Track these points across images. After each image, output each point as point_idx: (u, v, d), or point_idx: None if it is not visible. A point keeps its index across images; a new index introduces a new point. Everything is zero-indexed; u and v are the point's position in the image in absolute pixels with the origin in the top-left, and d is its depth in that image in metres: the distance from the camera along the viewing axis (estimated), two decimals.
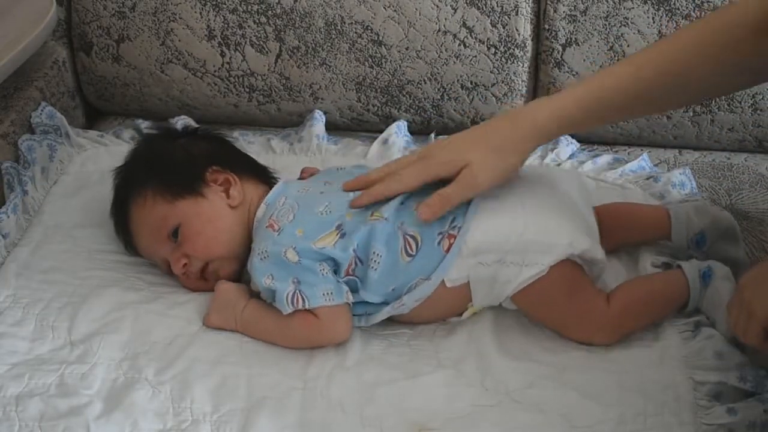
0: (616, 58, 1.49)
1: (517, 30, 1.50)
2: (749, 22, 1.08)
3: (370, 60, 1.54)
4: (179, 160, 1.28)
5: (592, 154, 1.51)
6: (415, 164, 1.20)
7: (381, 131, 1.55)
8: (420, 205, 1.16)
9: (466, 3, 1.49)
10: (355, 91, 1.58)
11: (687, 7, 1.45)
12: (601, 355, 1.16)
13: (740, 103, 1.50)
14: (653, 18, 1.47)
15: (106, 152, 1.50)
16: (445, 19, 1.50)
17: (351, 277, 1.18)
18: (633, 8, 1.47)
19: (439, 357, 1.16)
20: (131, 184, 1.27)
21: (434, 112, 1.58)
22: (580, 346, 1.17)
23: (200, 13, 1.54)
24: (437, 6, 1.49)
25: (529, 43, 1.51)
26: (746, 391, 1.10)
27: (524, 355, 1.16)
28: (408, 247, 1.17)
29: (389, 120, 1.58)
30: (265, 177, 1.33)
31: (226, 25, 1.54)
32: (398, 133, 1.53)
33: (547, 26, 1.50)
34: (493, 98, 1.55)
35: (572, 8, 1.48)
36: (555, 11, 1.49)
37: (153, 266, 1.29)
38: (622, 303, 1.16)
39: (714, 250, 1.25)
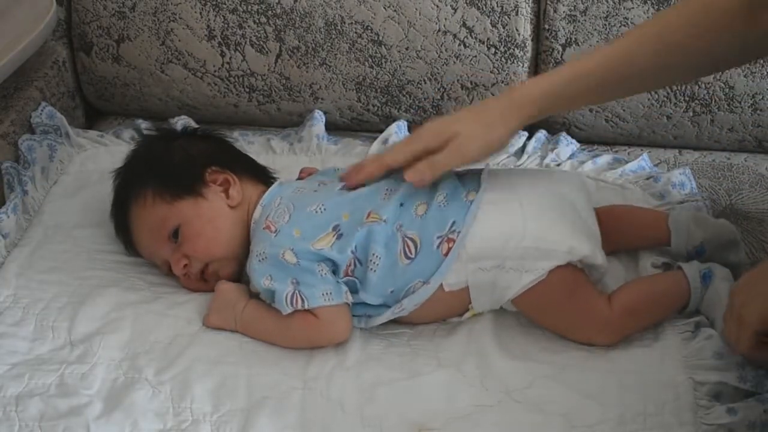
0: None
1: (517, 30, 1.50)
2: None
3: (370, 60, 1.54)
4: (178, 160, 1.28)
5: (592, 154, 1.51)
6: (405, 139, 1.24)
7: (381, 131, 1.55)
8: (408, 169, 1.17)
9: (466, 3, 1.49)
10: (355, 91, 1.58)
11: None
12: (601, 355, 1.16)
13: (740, 103, 1.50)
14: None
15: (106, 152, 1.50)
16: (445, 19, 1.50)
17: (350, 278, 1.18)
18: (633, 8, 1.47)
19: (439, 357, 1.16)
20: (131, 185, 1.27)
21: (434, 112, 1.58)
22: (580, 346, 1.17)
23: (200, 13, 1.54)
24: (437, 6, 1.49)
25: (529, 43, 1.51)
26: (746, 391, 1.10)
27: (524, 354, 1.16)
28: (407, 249, 1.17)
29: (389, 120, 1.58)
30: (263, 177, 1.33)
31: (226, 25, 1.54)
32: (398, 133, 1.53)
33: (547, 26, 1.50)
34: None
35: (572, 8, 1.48)
36: (555, 11, 1.49)
37: (153, 266, 1.29)
38: (623, 304, 1.16)
39: (714, 259, 1.24)
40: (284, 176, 1.36)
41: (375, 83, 1.56)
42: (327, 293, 1.15)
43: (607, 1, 1.47)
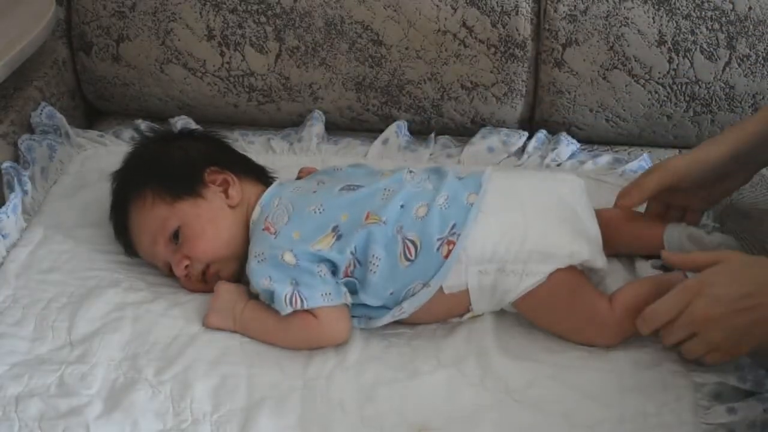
0: (616, 58, 1.49)
1: (517, 30, 1.50)
2: None
3: (369, 60, 1.54)
4: (177, 162, 1.28)
5: (592, 154, 1.51)
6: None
7: (381, 131, 1.55)
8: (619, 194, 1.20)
9: (466, 3, 1.49)
10: (354, 91, 1.57)
11: (687, 7, 1.45)
12: (601, 355, 1.16)
13: (740, 103, 1.50)
14: (653, 18, 1.47)
15: (106, 152, 1.50)
16: (445, 19, 1.50)
17: (350, 279, 1.18)
18: (633, 8, 1.47)
19: (439, 357, 1.16)
20: (130, 187, 1.27)
21: (434, 112, 1.58)
22: (580, 346, 1.17)
23: (200, 13, 1.54)
24: (437, 6, 1.49)
25: (529, 43, 1.51)
26: (746, 391, 1.10)
27: (524, 354, 1.16)
28: (407, 251, 1.17)
29: (389, 120, 1.57)
30: (262, 176, 1.33)
31: (225, 25, 1.54)
32: (398, 133, 1.53)
33: (547, 26, 1.50)
34: (493, 98, 1.55)
35: (572, 8, 1.48)
36: (555, 11, 1.49)
37: (153, 266, 1.29)
38: (624, 305, 1.16)
39: None
40: (284, 176, 1.36)
41: (375, 83, 1.56)
42: (326, 294, 1.15)
43: (607, 1, 1.47)
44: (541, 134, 1.53)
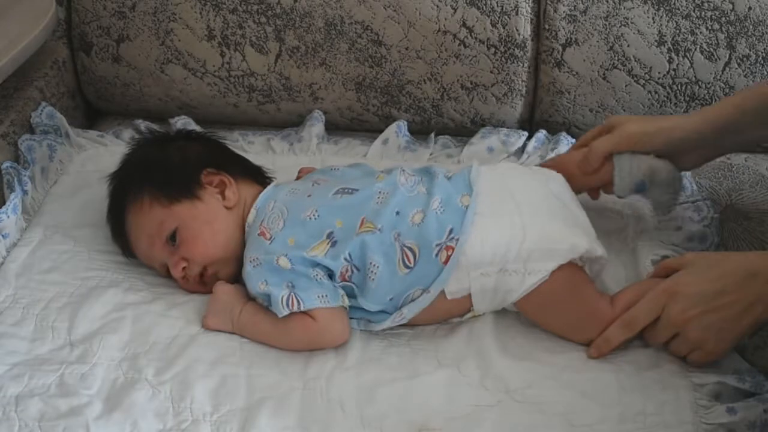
0: (616, 58, 1.49)
1: (517, 30, 1.50)
2: None
3: (369, 60, 1.54)
4: (173, 163, 1.28)
5: None
6: None
7: (381, 131, 1.55)
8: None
9: (466, 3, 1.49)
10: (354, 91, 1.57)
11: (687, 7, 1.45)
12: None
13: None
14: (653, 18, 1.47)
15: (106, 152, 1.50)
16: (445, 19, 1.50)
17: (347, 283, 1.18)
18: (633, 8, 1.47)
19: (439, 357, 1.16)
20: (127, 189, 1.27)
21: (434, 112, 1.58)
22: (580, 346, 1.17)
23: (200, 13, 1.54)
24: (437, 6, 1.49)
25: (529, 43, 1.51)
26: (746, 392, 1.10)
27: (524, 354, 1.16)
28: (406, 258, 1.17)
29: (389, 120, 1.58)
30: (259, 177, 1.33)
31: (226, 25, 1.54)
32: (398, 133, 1.53)
33: (547, 26, 1.50)
34: (493, 98, 1.55)
35: (572, 8, 1.48)
36: (555, 11, 1.49)
37: (151, 268, 1.29)
38: (625, 305, 1.16)
39: (653, 195, 1.27)
40: (284, 176, 1.36)
41: (375, 83, 1.56)
42: (323, 296, 1.15)
43: (607, 1, 1.47)
44: (541, 134, 1.53)
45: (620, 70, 1.50)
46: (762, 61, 1.47)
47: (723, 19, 1.45)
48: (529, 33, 1.51)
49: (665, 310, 1.11)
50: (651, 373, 1.13)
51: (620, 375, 1.13)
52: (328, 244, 1.18)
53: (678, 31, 1.47)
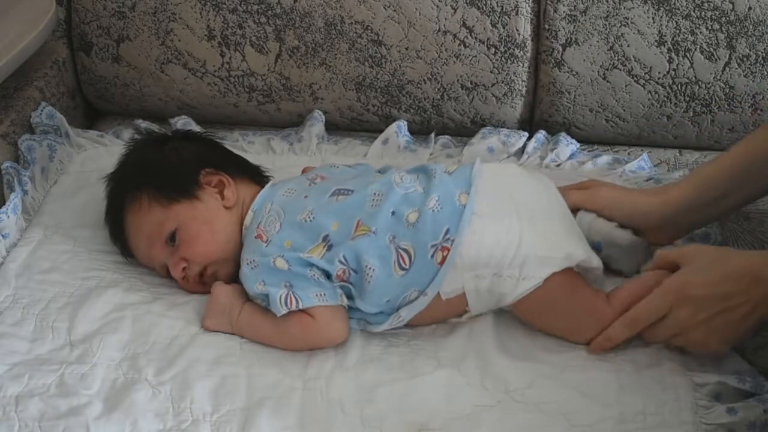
0: (617, 58, 1.49)
1: (517, 30, 1.50)
2: None
3: (370, 60, 1.54)
4: (172, 164, 1.28)
5: (592, 155, 1.51)
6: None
7: (381, 131, 1.55)
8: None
9: (466, 3, 1.49)
10: (354, 91, 1.57)
11: (687, 7, 1.45)
12: (601, 355, 1.16)
13: (740, 103, 1.50)
14: (653, 18, 1.47)
15: (106, 152, 1.50)
16: (445, 19, 1.50)
17: (345, 284, 1.18)
18: (633, 8, 1.47)
19: (439, 357, 1.16)
20: (125, 190, 1.27)
21: (434, 112, 1.58)
22: (580, 346, 1.17)
23: (200, 13, 1.54)
24: (437, 6, 1.49)
25: (529, 43, 1.51)
26: (746, 392, 1.10)
27: (524, 354, 1.16)
28: (401, 260, 1.17)
29: (389, 120, 1.57)
30: (257, 176, 1.33)
31: (226, 25, 1.54)
32: (398, 133, 1.53)
33: (547, 26, 1.50)
34: (493, 98, 1.55)
35: (572, 8, 1.48)
36: (555, 11, 1.49)
37: (150, 269, 1.29)
38: (621, 303, 1.16)
39: (609, 258, 1.25)
40: (284, 176, 1.35)
41: (375, 83, 1.56)
42: (320, 294, 1.15)
43: (607, 1, 1.47)
44: (541, 134, 1.53)
45: (620, 70, 1.50)
46: (762, 61, 1.47)
47: (723, 19, 1.45)
48: (529, 33, 1.51)
49: (673, 312, 1.11)
50: (651, 372, 1.13)
51: (620, 375, 1.13)
52: (324, 247, 1.18)
53: (678, 31, 1.47)
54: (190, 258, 1.23)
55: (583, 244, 1.19)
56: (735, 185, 1.22)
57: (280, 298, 1.14)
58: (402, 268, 1.16)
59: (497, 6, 1.49)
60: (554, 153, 1.49)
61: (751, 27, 1.45)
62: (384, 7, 1.50)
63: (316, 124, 1.56)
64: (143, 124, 1.55)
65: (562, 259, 1.16)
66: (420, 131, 1.58)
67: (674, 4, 1.46)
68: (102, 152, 1.51)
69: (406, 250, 1.17)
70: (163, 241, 1.24)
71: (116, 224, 1.28)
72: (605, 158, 1.50)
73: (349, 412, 1.10)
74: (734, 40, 1.46)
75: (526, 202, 1.20)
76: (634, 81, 1.51)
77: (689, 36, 1.47)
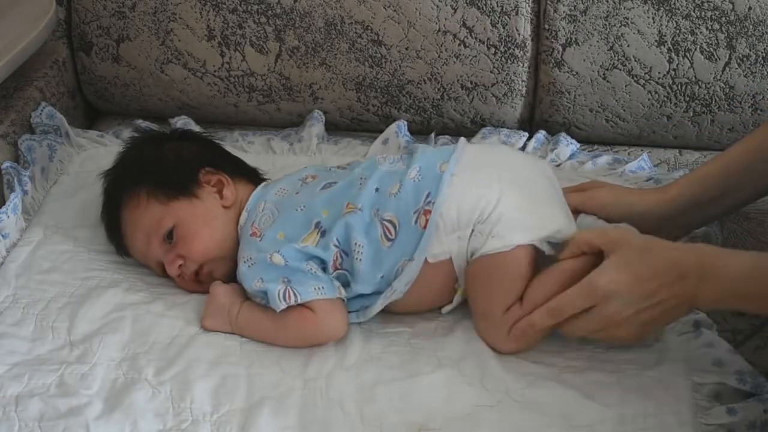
0: (616, 58, 1.49)
1: (517, 30, 1.50)
2: None
3: (369, 60, 1.54)
4: (172, 162, 1.28)
5: (592, 155, 1.51)
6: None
7: (381, 131, 1.55)
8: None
9: (466, 3, 1.49)
10: (354, 91, 1.57)
11: (687, 7, 1.45)
12: (600, 355, 1.16)
13: (740, 103, 1.50)
14: (653, 18, 1.47)
15: (106, 152, 1.50)
16: (445, 19, 1.50)
17: (340, 272, 1.18)
18: (633, 8, 1.47)
19: (439, 356, 1.16)
20: (123, 187, 1.27)
21: (434, 112, 1.58)
22: (579, 346, 1.17)
23: (200, 13, 1.54)
24: (437, 6, 1.49)
25: (529, 43, 1.51)
26: (746, 392, 1.10)
27: (524, 354, 1.16)
28: (387, 232, 1.17)
29: (389, 120, 1.57)
30: (254, 177, 1.34)
31: (225, 25, 1.54)
32: (398, 133, 1.53)
33: (547, 26, 1.50)
34: (493, 98, 1.55)
35: (572, 8, 1.48)
36: (555, 11, 1.49)
37: (147, 266, 1.29)
38: (534, 303, 1.13)
39: None
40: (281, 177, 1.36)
41: (375, 83, 1.56)
42: (319, 288, 1.16)
43: (607, 1, 1.47)
44: (541, 135, 1.53)
45: (620, 70, 1.50)
46: (762, 61, 1.47)
47: (723, 19, 1.45)
48: (529, 33, 1.51)
49: (598, 309, 1.08)
50: (651, 373, 1.13)
51: (620, 375, 1.13)
52: (317, 234, 1.18)
53: (678, 31, 1.47)
54: (186, 256, 1.23)
55: (563, 216, 1.18)
56: (734, 184, 1.22)
57: (279, 293, 1.14)
58: (389, 239, 1.17)
59: (497, 6, 1.49)
60: (554, 153, 1.49)
61: (751, 27, 1.45)
62: (384, 7, 1.50)
63: (316, 124, 1.56)
64: (143, 124, 1.55)
65: (539, 226, 1.14)
66: (420, 131, 1.58)
67: (674, 4, 1.46)
68: (102, 152, 1.51)
69: (390, 221, 1.17)
70: (161, 238, 1.24)
71: (113, 221, 1.28)
72: (605, 158, 1.50)
73: (349, 411, 1.10)
74: (734, 40, 1.46)
75: (510, 170, 1.20)
76: (634, 81, 1.51)
77: (689, 36, 1.47)
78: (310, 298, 1.15)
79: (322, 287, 1.16)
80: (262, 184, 1.31)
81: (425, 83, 1.55)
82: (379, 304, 1.18)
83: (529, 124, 1.60)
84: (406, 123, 1.56)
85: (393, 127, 1.54)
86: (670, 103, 1.52)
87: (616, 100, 1.53)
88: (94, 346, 1.16)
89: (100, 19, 1.58)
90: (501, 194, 1.15)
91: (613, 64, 1.50)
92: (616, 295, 1.07)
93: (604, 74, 1.51)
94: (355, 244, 1.17)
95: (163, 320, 1.20)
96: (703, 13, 1.45)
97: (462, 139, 1.26)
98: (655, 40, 1.48)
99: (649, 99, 1.52)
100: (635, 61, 1.49)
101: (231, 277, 1.25)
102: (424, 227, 1.16)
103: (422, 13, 1.50)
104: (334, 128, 1.60)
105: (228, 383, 1.12)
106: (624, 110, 1.54)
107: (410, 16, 1.50)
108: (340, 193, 1.21)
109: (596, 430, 1.07)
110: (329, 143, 1.54)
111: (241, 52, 1.56)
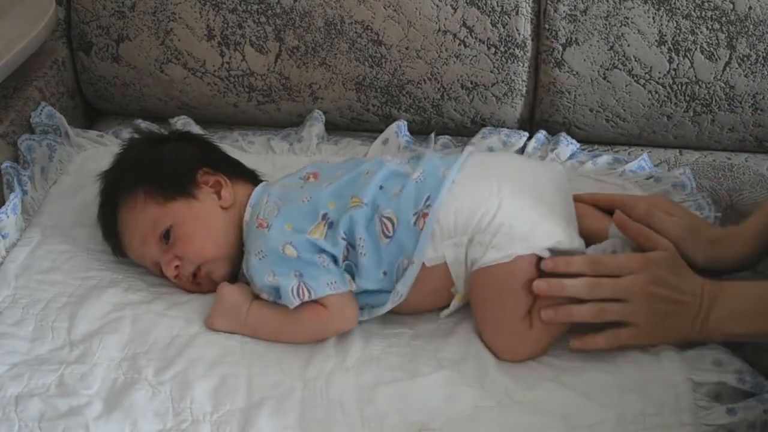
0: (617, 58, 1.49)
1: (517, 30, 1.50)
2: None
3: (369, 60, 1.54)
4: (170, 162, 1.28)
5: (592, 155, 1.51)
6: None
7: (381, 131, 1.55)
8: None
9: (466, 3, 1.49)
10: (354, 91, 1.57)
11: (687, 7, 1.45)
12: (600, 356, 1.16)
13: (741, 103, 1.50)
14: (653, 18, 1.47)
15: (105, 152, 1.49)
16: (445, 18, 1.50)
17: (348, 263, 1.19)
18: (633, 8, 1.47)
19: (439, 357, 1.16)
20: (121, 186, 1.27)
21: (434, 112, 1.58)
22: None
23: (200, 13, 1.54)
24: (437, 6, 1.49)
25: (529, 43, 1.51)
26: (745, 392, 1.10)
27: None
28: (385, 229, 1.18)
29: (389, 120, 1.57)
30: (253, 179, 1.34)
31: (225, 25, 1.54)
32: (398, 133, 1.53)
33: (547, 26, 1.50)
34: (493, 98, 1.55)
35: (572, 8, 1.48)
36: (555, 11, 1.49)
37: (144, 267, 1.29)
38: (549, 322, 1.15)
39: None
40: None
41: (375, 83, 1.56)
42: (332, 282, 1.16)
43: (608, 1, 1.47)
44: (541, 135, 1.53)
45: (620, 70, 1.50)
46: (762, 61, 1.47)
47: (723, 18, 1.45)
48: (529, 33, 1.51)
49: (632, 276, 1.13)
50: (651, 374, 1.12)
51: (620, 376, 1.12)
52: (324, 225, 1.19)
53: (678, 31, 1.46)
54: (183, 256, 1.23)
55: (565, 226, 1.18)
56: None
57: (292, 289, 1.15)
58: (387, 236, 1.18)
59: (497, 6, 1.49)
60: (554, 153, 1.49)
61: (751, 27, 1.45)
62: (384, 7, 1.50)
63: (316, 124, 1.56)
64: (143, 124, 1.55)
65: (540, 237, 1.15)
66: (420, 131, 1.58)
67: (674, 3, 1.45)
68: (102, 152, 1.50)
69: (389, 218, 1.18)
70: (157, 238, 1.24)
71: (110, 220, 1.28)
72: (605, 158, 1.50)
73: (349, 412, 1.10)
74: (734, 40, 1.46)
75: (513, 180, 1.20)
76: (635, 81, 1.51)
77: (689, 36, 1.46)
78: (323, 294, 1.15)
79: (335, 281, 1.16)
80: (262, 183, 1.31)
81: (425, 83, 1.55)
82: (386, 308, 1.19)
83: (529, 124, 1.60)
84: (406, 123, 1.56)
85: (393, 127, 1.54)
86: (671, 102, 1.52)
87: (617, 100, 1.53)
88: (94, 346, 1.16)
89: (99, 19, 1.57)
90: (500, 204, 1.16)
91: (614, 64, 1.50)
92: (652, 270, 1.12)
93: (604, 74, 1.51)
94: (359, 237, 1.17)
95: (163, 320, 1.20)
96: (703, 12, 1.45)
97: (468, 147, 1.26)
98: (656, 40, 1.48)
99: (649, 99, 1.52)
100: (635, 60, 1.49)
101: (230, 279, 1.25)
102: (422, 229, 1.17)
103: (422, 13, 1.50)
104: (334, 128, 1.60)
105: (228, 383, 1.12)
106: (624, 110, 1.54)
107: (410, 16, 1.50)
108: (346, 186, 1.22)
109: (596, 430, 1.07)
110: (329, 143, 1.54)
111: (241, 52, 1.56)
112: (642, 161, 1.48)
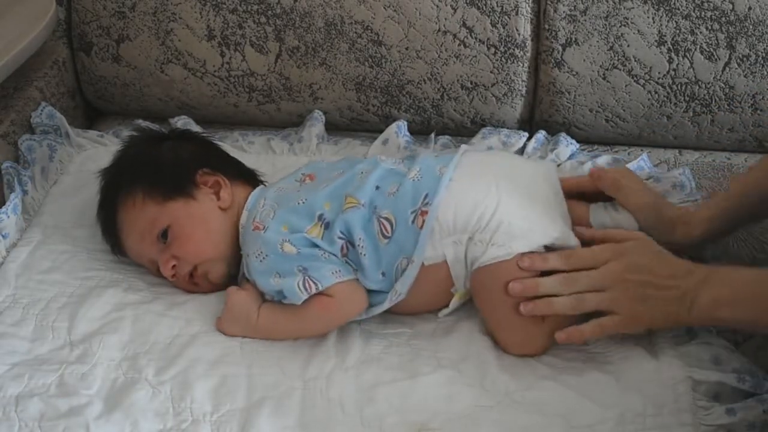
0: (617, 58, 1.49)
1: (517, 30, 1.50)
2: None
3: (369, 60, 1.54)
4: (169, 162, 1.28)
5: (592, 155, 1.51)
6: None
7: (381, 131, 1.55)
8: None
9: (466, 3, 1.49)
10: (354, 91, 1.58)
11: (687, 7, 1.45)
12: (600, 356, 1.16)
13: (740, 103, 1.50)
14: (653, 18, 1.47)
15: (106, 152, 1.49)
16: (445, 19, 1.50)
17: (347, 261, 1.19)
18: (633, 8, 1.47)
19: (439, 357, 1.16)
20: (120, 185, 1.27)
21: (434, 112, 1.58)
22: (579, 347, 1.17)
23: (200, 13, 1.54)
24: (437, 6, 1.49)
25: (529, 43, 1.51)
26: (745, 392, 1.10)
27: None
28: (383, 229, 1.18)
29: (389, 120, 1.57)
30: (252, 180, 1.34)
31: (226, 25, 1.54)
32: (398, 133, 1.53)
33: (547, 26, 1.50)
34: (493, 98, 1.55)
35: (572, 8, 1.48)
36: (555, 11, 1.49)
37: (142, 265, 1.29)
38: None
39: None
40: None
41: (375, 83, 1.56)
42: (336, 271, 1.16)
43: (607, 1, 1.47)
44: (541, 135, 1.53)
45: (620, 70, 1.50)
46: (762, 61, 1.47)
47: (723, 19, 1.45)
48: (529, 33, 1.51)
49: (609, 264, 1.12)
50: (650, 374, 1.13)
51: (620, 376, 1.13)
52: (321, 226, 1.19)
53: (678, 31, 1.47)
54: (180, 256, 1.23)
55: (562, 223, 1.19)
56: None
57: (298, 284, 1.15)
58: (385, 237, 1.18)
59: (497, 6, 1.49)
60: (554, 153, 1.49)
61: (751, 27, 1.45)
62: (384, 7, 1.50)
63: (316, 124, 1.56)
64: (143, 124, 1.55)
65: (538, 233, 1.16)
66: (420, 131, 1.58)
67: (674, 4, 1.46)
68: (102, 152, 1.50)
69: (387, 218, 1.18)
70: (155, 237, 1.24)
71: (109, 219, 1.28)
72: (605, 158, 1.50)
73: (349, 411, 1.10)
74: (734, 40, 1.46)
75: (509, 178, 1.21)
76: (634, 81, 1.51)
77: (689, 36, 1.47)
78: (329, 284, 1.15)
79: (339, 270, 1.16)
80: (259, 187, 1.31)
81: (425, 83, 1.55)
82: (384, 306, 1.19)
83: (529, 124, 1.60)
84: (406, 123, 1.56)
85: (393, 127, 1.54)
86: (670, 103, 1.52)
87: (616, 100, 1.53)
88: (94, 346, 1.16)
89: (100, 19, 1.58)
90: (499, 202, 1.17)
91: (613, 64, 1.50)
92: (629, 257, 1.12)
93: (604, 74, 1.51)
94: (359, 238, 1.18)
95: (163, 320, 1.20)
96: (703, 13, 1.45)
97: (463, 146, 1.27)
98: (655, 40, 1.48)
99: (649, 99, 1.52)
100: (635, 61, 1.49)
101: (227, 279, 1.25)
102: (421, 227, 1.17)
103: (422, 13, 1.50)
104: (334, 128, 1.60)
105: (228, 383, 1.12)
106: (624, 110, 1.54)
107: (410, 16, 1.50)
108: (341, 186, 1.22)
109: (596, 430, 1.07)
110: (329, 143, 1.54)
111: (241, 52, 1.56)
112: (641, 161, 1.48)
